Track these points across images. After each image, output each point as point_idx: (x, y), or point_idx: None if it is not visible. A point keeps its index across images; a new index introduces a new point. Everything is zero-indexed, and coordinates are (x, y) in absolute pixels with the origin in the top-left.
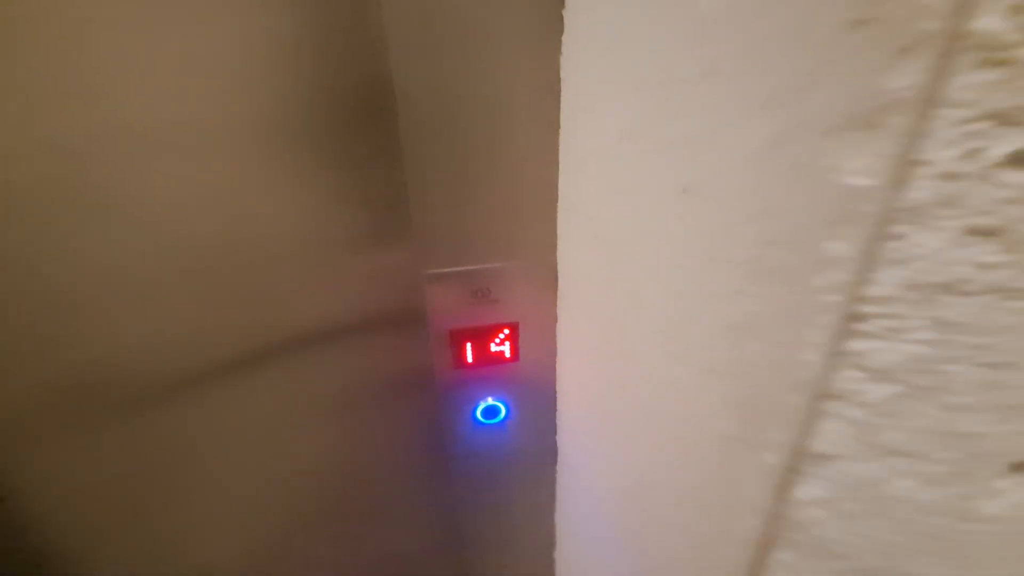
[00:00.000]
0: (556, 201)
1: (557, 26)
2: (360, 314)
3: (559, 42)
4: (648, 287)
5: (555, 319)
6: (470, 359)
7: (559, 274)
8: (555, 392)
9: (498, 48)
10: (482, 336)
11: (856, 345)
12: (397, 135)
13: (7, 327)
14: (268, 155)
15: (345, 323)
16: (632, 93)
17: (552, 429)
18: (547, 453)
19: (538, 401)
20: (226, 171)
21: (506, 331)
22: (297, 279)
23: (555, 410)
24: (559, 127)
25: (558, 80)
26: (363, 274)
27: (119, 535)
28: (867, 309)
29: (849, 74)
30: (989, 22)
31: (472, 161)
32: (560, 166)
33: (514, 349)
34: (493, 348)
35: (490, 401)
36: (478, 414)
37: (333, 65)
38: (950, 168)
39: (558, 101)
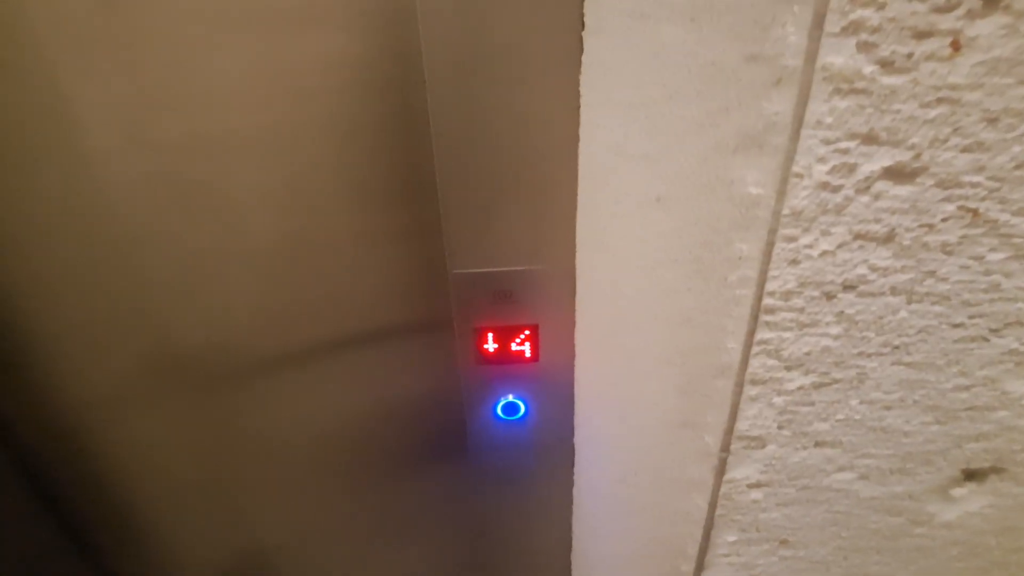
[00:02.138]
0: (575, 210)
1: (577, 47)
2: (392, 309)
3: (579, 62)
4: (630, 288)
5: (573, 322)
6: (492, 356)
7: (577, 279)
8: (573, 392)
9: (525, 66)
10: (504, 335)
11: (767, 335)
12: (431, 151)
13: (106, 309)
14: (318, 160)
15: (379, 317)
16: (623, 111)
17: (570, 428)
18: (565, 451)
19: (557, 400)
20: (283, 173)
21: (527, 332)
22: (337, 276)
23: (573, 409)
24: (578, 142)
25: (578, 97)
26: (396, 271)
27: (186, 499)
28: (772, 303)
29: (746, 101)
30: (841, 59)
31: (499, 172)
32: (579, 178)
33: (534, 349)
34: (514, 347)
35: (510, 398)
36: (499, 410)
37: (377, 82)
38: (824, 180)
39: (578, 117)
